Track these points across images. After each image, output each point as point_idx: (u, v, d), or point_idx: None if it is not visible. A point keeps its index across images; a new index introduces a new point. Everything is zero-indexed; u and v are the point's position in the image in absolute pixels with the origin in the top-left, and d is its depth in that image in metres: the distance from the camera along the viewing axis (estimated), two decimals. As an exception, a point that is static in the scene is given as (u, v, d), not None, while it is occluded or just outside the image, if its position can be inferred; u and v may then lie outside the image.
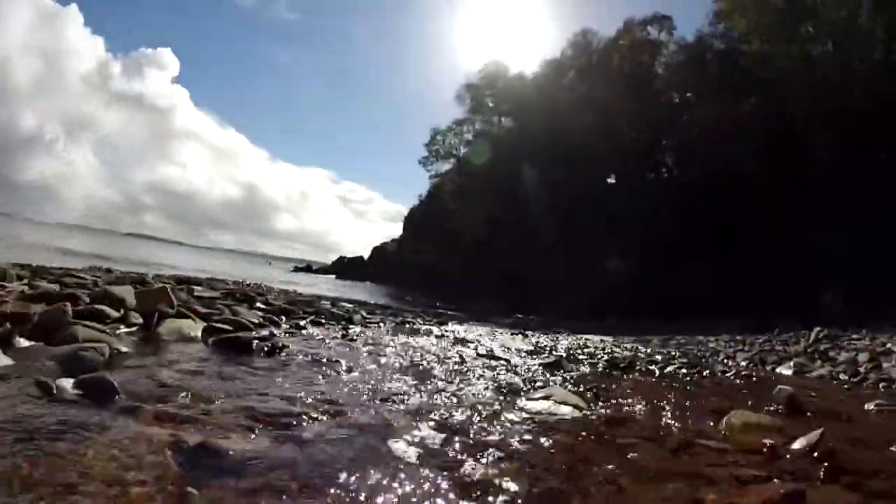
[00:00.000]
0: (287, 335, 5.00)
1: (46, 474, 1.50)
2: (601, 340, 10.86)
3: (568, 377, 4.58)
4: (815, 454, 2.44)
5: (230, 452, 1.85)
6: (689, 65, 28.74)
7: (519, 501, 1.78)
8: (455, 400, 3.18)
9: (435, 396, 3.21)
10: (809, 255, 22.34)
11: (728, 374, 5.93)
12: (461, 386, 3.62)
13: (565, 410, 3.15)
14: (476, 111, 39.85)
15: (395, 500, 1.70)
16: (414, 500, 1.71)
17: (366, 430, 2.33)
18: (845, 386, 5.47)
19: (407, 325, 8.16)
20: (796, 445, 2.57)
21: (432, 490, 1.79)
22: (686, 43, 29.63)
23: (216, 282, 13.51)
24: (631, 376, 5.21)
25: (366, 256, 52.08)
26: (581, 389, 3.85)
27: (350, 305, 15.13)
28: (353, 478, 1.80)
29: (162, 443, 1.81)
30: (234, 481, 1.66)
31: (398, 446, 2.17)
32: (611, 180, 31.96)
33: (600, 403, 3.50)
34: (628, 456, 2.37)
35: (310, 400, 2.76)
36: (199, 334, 4.04)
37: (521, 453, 2.28)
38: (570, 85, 33.60)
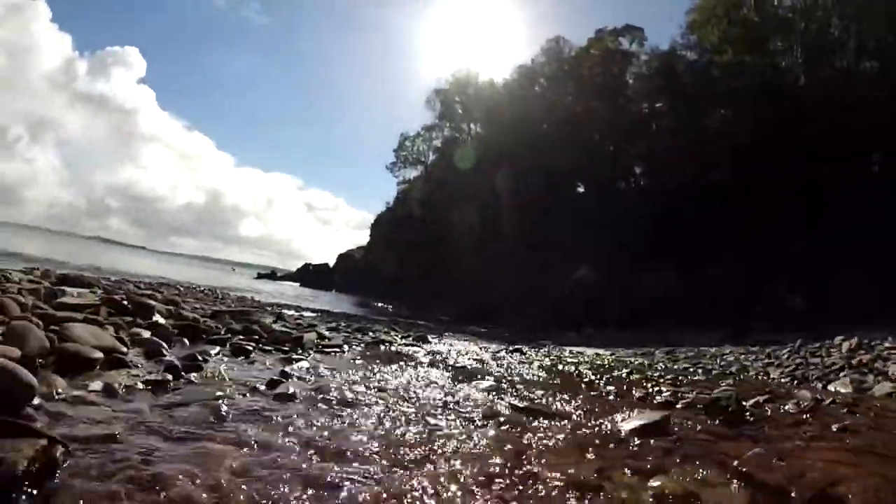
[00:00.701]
0: (151, 387, 2.71)
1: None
2: (597, 355, 9.35)
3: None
4: None
5: None
6: (660, 74, 28.16)
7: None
8: None
9: None
10: (776, 260, 21.95)
11: (805, 404, 4.43)
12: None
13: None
14: (446, 117, 38.44)
15: None
16: None
17: None
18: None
19: (382, 347, 6.30)
20: None
21: None
22: (658, 52, 29.10)
23: (167, 287, 11.40)
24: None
25: (331, 264, 49.64)
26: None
27: (312, 315, 13.18)
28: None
29: None
30: None
31: None
32: (581, 188, 31.01)
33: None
34: None
35: None
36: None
37: None
38: (542, 92, 32.63)
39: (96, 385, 2.47)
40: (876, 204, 20.22)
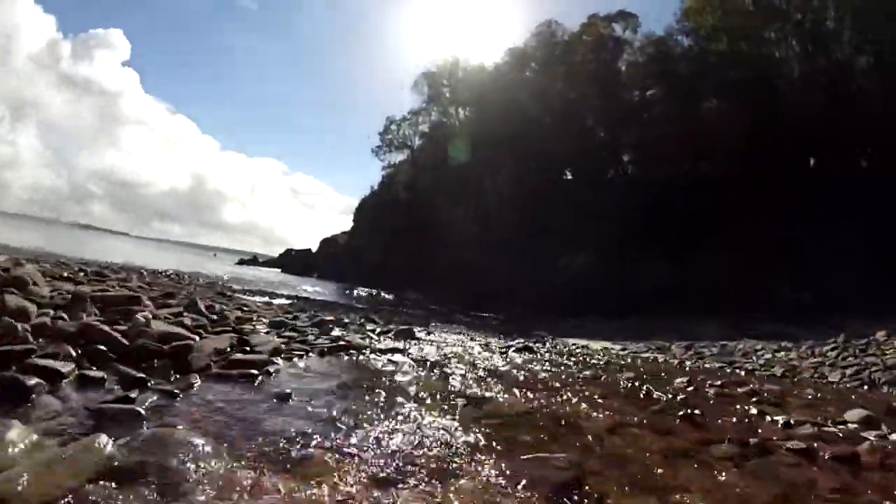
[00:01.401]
0: None
1: None
2: (604, 349, 8.12)
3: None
4: None
5: None
6: (655, 61, 26.92)
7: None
8: None
9: None
10: (770, 251, 21.23)
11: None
12: None
13: None
14: (433, 101, 36.62)
15: None
16: None
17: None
18: None
19: (346, 357, 4.25)
20: None
21: None
22: (653, 38, 27.78)
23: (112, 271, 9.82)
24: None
25: (314, 249, 47.72)
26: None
27: (286, 302, 11.70)
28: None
29: None
30: None
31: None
32: (572, 175, 29.76)
33: None
34: None
35: None
36: None
37: None
38: (533, 77, 31.09)
39: None
40: (868, 196, 19.69)
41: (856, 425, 3.15)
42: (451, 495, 1.77)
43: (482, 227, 28.57)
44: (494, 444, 2.36)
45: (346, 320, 6.84)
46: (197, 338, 3.59)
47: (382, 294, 23.46)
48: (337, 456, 2.04)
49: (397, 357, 4.52)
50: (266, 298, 11.72)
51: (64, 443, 1.83)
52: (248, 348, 3.75)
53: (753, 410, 3.57)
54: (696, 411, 3.27)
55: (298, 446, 2.11)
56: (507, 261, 26.49)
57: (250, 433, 2.19)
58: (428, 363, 4.38)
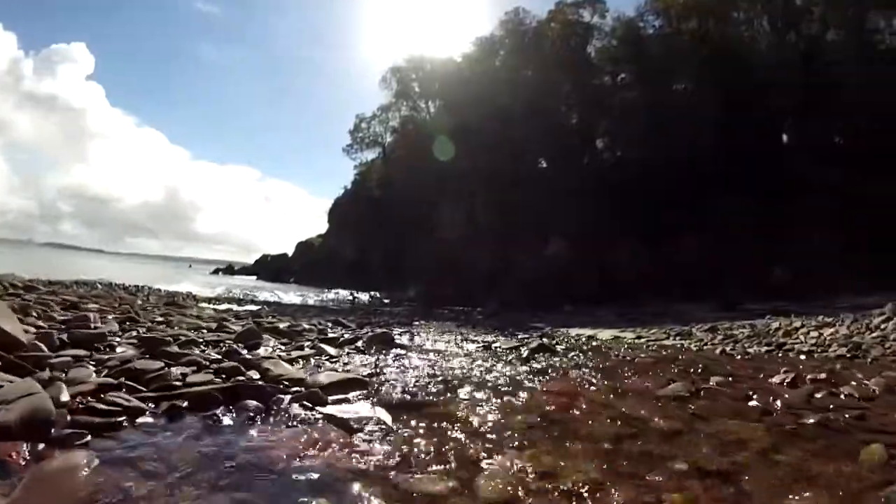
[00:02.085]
0: None
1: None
2: (615, 338, 6.86)
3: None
4: None
5: None
6: (626, 44, 25.99)
7: None
8: None
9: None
10: (750, 229, 20.56)
11: None
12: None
13: None
14: (402, 95, 34.98)
15: None
16: None
17: None
18: None
19: (241, 422, 2.04)
20: None
21: None
22: (624, 20, 26.85)
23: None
24: None
25: (290, 254, 45.52)
26: None
27: (252, 308, 10.13)
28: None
29: None
30: None
31: None
32: (546, 163, 28.65)
33: None
34: None
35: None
36: None
37: None
38: (502, 66, 29.83)
39: None
40: (840, 169, 19.25)
41: None
42: None
43: (459, 219, 27.24)
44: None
45: (307, 326, 5.35)
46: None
47: (358, 295, 21.85)
48: None
49: (352, 410, 2.31)
50: (234, 306, 10.22)
51: None
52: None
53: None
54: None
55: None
56: (486, 252, 25.26)
57: None
58: (413, 410, 2.38)
